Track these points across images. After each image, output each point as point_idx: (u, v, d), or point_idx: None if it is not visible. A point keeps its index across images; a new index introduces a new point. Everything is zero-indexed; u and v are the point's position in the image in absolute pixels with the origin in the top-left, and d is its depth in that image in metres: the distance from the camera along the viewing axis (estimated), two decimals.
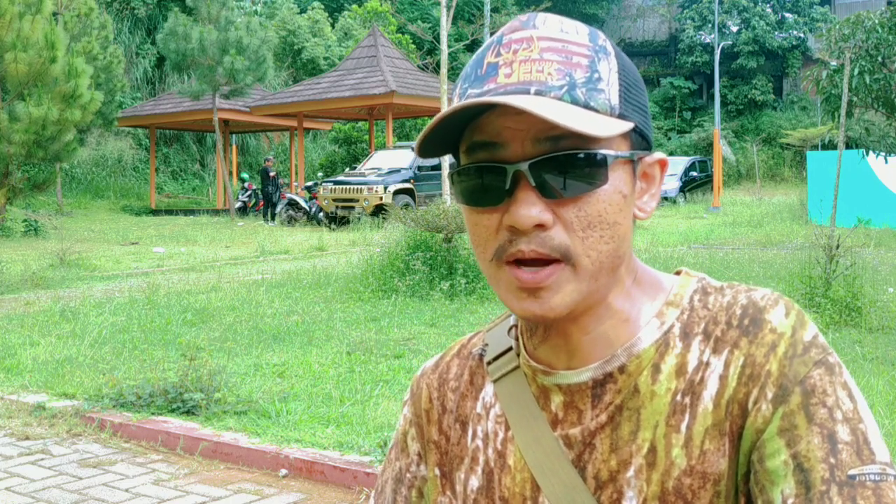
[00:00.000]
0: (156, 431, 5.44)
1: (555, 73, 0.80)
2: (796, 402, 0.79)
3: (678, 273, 0.92)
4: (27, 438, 5.57)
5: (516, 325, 0.95)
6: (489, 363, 0.95)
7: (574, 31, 0.83)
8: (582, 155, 0.79)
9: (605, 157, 0.80)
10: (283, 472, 4.85)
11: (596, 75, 0.81)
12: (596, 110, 0.80)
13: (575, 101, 0.79)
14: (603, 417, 0.85)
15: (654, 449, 0.83)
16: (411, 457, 1.01)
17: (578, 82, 0.80)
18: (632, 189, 0.84)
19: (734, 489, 0.81)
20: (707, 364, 0.83)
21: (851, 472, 0.76)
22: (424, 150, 0.84)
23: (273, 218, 24.42)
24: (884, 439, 0.81)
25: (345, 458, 4.78)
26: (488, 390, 0.95)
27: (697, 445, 0.82)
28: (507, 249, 0.81)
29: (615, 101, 0.81)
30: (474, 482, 0.93)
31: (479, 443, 0.93)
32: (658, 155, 0.87)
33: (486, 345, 0.97)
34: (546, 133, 0.79)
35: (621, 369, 0.85)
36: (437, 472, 0.97)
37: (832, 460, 0.77)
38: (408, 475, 1.01)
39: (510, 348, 0.94)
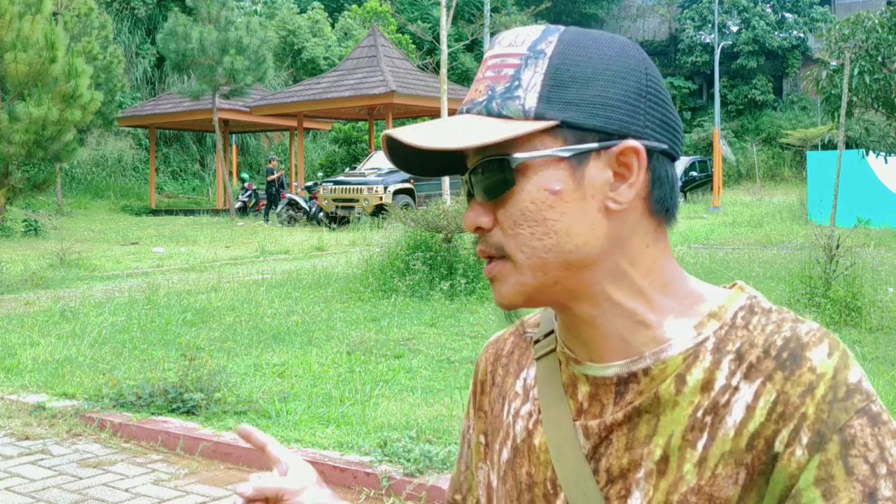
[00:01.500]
0: (156, 431, 5.44)
1: (483, 89, 0.86)
2: (834, 451, 0.77)
3: (734, 286, 0.91)
4: (27, 438, 5.57)
5: None
6: (536, 342, 0.98)
7: (521, 41, 0.87)
8: (488, 163, 0.85)
9: (506, 161, 0.84)
10: None
11: (516, 83, 0.85)
12: (508, 117, 0.84)
13: (489, 113, 0.85)
14: (620, 415, 0.86)
15: (666, 458, 0.83)
16: (471, 419, 1.08)
17: (497, 94, 0.85)
18: (574, 184, 0.84)
19: None
20: (736, 389, 0.82)
21: None
22: (402, 166, 0.93)
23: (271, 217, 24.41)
24: None
25: (345, 458, 4.78)
26: (531, 372, 0.98)
27: (710, 467, 0.81)
28: (476, 249, 0.91)
29: (531, 104, 0.84)
30: (505, 454, 0.97)
31: (511, 419, 0.97)
32: (626, 143, 0.84)
33: (538, 324, 1.01)
34: (480, 147, 0.85)
35: (646, 371, 0.85)
36: (481, 439, 1.04)
37: None
38: (468, 435, 1.08)
39: (553, 331, 0.97)
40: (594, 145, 0.84)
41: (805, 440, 0.78)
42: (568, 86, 0.84)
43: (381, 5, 37.60)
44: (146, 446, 5.40)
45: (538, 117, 0.83)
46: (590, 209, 0.84)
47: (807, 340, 0.81)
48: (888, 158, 14.37)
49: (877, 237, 15.72)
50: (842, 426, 0.77)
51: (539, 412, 0.93)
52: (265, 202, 26.39)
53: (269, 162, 26.06)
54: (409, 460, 4.58)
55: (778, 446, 0.79)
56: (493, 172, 0.85)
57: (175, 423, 5.51)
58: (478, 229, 0.87)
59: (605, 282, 0.86)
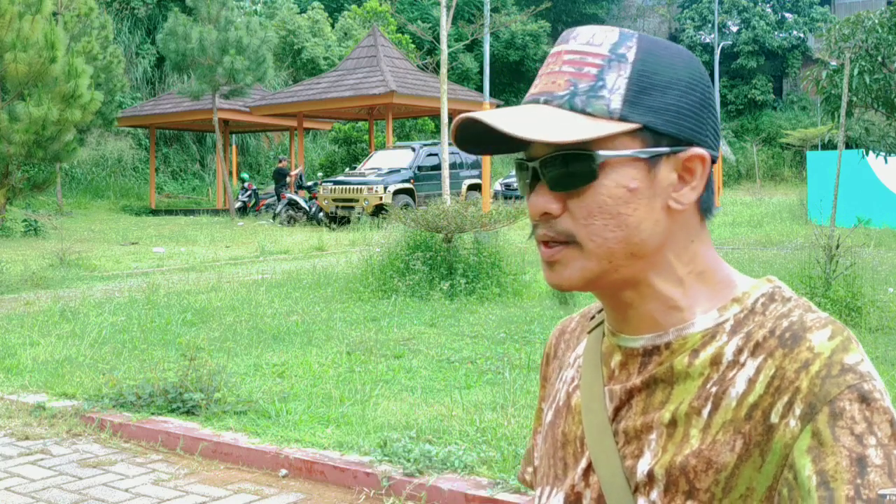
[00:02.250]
0: (156, 431, 5.43)
1: (563, 83, 0.91)
2: (823, 420, 0.82)
3: (767, 279, 0.98)
4: (27, 438, 5.57)
5: None
6: (592, 317, 1.08)
7: (600, 41, 0.92)
8: (570, 155, 0.90)
9: (591, 156, 0.89)
10: (283, 472, 4.86)
11: (600, 83, 0.90)
12: (592, 115, 0.89)
13: (573, 108, 0.90)
14: (639, 382, 0.94)
15: (674, 422, 0.90)
16: (540, 390, 1.18)
17: (580, 90, 0.90)
18: (647, 183, 0.91)
19: (735, 485, 0.85)
20: (742, 364, 0.89)
21: (882, 491, 0.78)
22: (463, 144, 0.97)
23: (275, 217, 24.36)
24: None
25: (345, 458, 4.78)
26: (583, 345, 1.07)
27: (712, 434, 0.87)
28: (535, 232, 0.95)
29: (616, 105, 0.89)
30: (549, 416, 1.06)
31: (559, 384, 1.07)
32: (693, 150, 0.92)
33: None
34: None
35: (667, 345, 0.94)
36: (543, 406, 1.13)
37: (859, 481, 0.79)
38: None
39: None
40: (667, 150, 0.92)
41: (798, 411, 0.83)
42: (649, 92, 0.91)
43: (381, 5, 37.58)
44: (146, 446, 5.40)
45: (622, 119, 0.90)
46: (656, 207, 0.92)
47: (810, 325, 0.88)
48: (888, 158, 14.37)
49: (877, 237, 15.72)
50: (832, 399, 0.82)
51: (580, 377, 1.02)
52: (265, 202, 26.38)
53: (280, 162, 26.04)
54: (409, 460, 4.58)
55: (773, 417, 0.84)
56: (574, 165, 0.90)
57: (175, 423, 5.51)
58: (544, 215, 0.92)
59: (652, 271, 0.94)
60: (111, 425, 5.63)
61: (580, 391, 1.00)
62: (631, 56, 0.91)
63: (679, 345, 0.93)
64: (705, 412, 0.88)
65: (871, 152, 14.23)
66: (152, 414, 5.69)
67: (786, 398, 0.84)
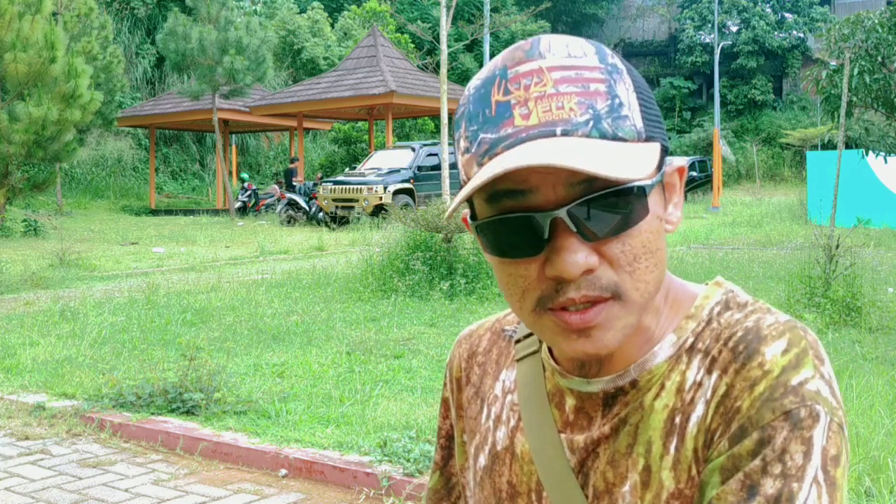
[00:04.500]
0: (155, 431, 5.44)
1: (576, 107, 0.74)
2: (748, 448, 0.75)
3: (716, 283, 0.89)
4: (27, 438, 5.57)
5: None
6: (518, 341, 0.94)
7: (582, 52, 0.77)
8: (621, 192, 0.74)
9: (643, 189, 0.75)
10: (283, 472, 4.86)
11: (617, 101, 0.76)
12: (624, 139, 0.75)
13: (603, 135, 0.74)
14: (606, 429, 0.83)
15: (648, 468, 0.81)
16: (452, 419, 1.03)
17: (602, 113, 0.75)
18: (664, 207, 0.80)
19: None
20: (700, 385, 0.80)
21: None
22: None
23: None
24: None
25: (345, 458, 4.78)
26: (510, 374, 0.94)
27: (685, 469, 0.79)
28: (555, 299, 0.76)
29: (640, 124, 0.77)
30: (482, 460, 0.93)
31: (491, 424, 0.93)
32: (676, 163, 0.83)
33: (519, 323, 0.96)
34: (579, 176, 0.73)
35: (633, 384, 0.83)
36: (465, 438, 0.99)
37: None
38: (452, 436, 1.04)
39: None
40: (668, 167, 0.81)
41: (730, 432, 0.76)
42: (648, 103, 0.79)
43: (380, 5, 37.58)
44: (146, 446, 5.40)
45: (648, 139, 0.77)
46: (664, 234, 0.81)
47: (766, 333, 0.78)
48: (888, 158, 14.37)
49: (877, 237, 15.73)
50: (763, 425, 0.75)
51: (519, 418, 0.90)
52: (265, 202, 26.39)
53: (292, 163, 26.12)
54: (409, 460, 4.58)
55: (715, 438, 0.78)
56: (626, 204, 0.74)
57: (175, 423, 5.51)
58: (585, 272, 0.75)
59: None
60: (111, 425, 5.63)
61: (527, 437, 0.88)
62: (621, 65, 0.78)
63: (646, 381, 0.82)
64: (672, 448, 0.79)
65: (870, 152, 14.23)
66: (152, 414, 5.69)
67: (727, 418, 0.77)
